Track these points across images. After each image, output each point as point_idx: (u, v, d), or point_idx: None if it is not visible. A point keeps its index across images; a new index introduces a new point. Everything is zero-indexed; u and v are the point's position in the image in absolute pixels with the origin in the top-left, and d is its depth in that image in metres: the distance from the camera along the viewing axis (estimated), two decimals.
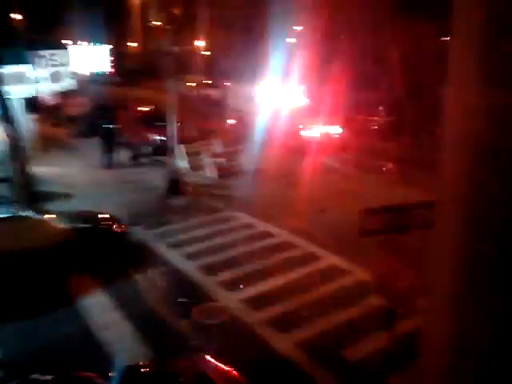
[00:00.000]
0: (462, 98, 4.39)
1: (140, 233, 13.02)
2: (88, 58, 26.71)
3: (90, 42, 25.41)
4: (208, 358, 6.75)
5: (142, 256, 11.74)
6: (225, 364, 6.57)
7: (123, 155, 20.15)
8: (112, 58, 26.69)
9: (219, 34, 39.35)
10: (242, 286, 10.26)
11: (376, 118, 23.80)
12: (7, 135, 14.84)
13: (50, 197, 15.14)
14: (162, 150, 19.40)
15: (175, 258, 11.71)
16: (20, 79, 19.41)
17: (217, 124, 24.08)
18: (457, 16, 4.36)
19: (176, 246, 12.31)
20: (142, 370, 6.40)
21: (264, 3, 32.59)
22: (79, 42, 24.57)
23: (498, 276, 4.38)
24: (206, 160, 18.51)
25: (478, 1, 4.19)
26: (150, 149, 20.83)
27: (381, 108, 24.09)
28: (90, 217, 11.95)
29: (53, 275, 10.07)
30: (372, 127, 23.11)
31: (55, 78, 21.51)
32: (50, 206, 13.84)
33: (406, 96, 23.19)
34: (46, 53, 21.39)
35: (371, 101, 24.02)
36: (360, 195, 14.23)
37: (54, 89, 22.05)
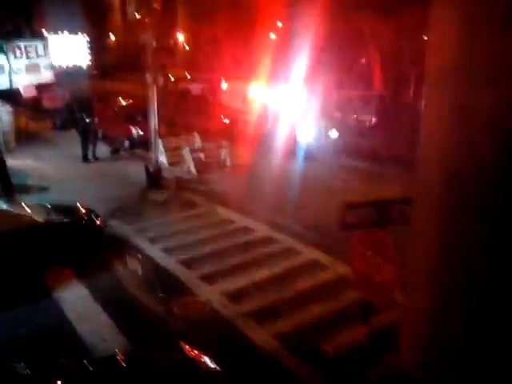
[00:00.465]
0: (438, 97, 4.48)
1: (119, 227, 12.94)
2: (65, 49, 26.29)
3: (69, 33, 25.01)
4: (186, 347, 6.75)
5: (120, 250, 11.67)
6: (203, 353, 6.58)
7: (102, 149, 19.96)
8: (90, 51, 26.32)
9: (199, 28, 39.15)
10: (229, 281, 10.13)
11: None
12: None
13: (26, 190, 14.95)
14: (141, 143, 19.33)
15: (154, 252, 11.66)
16: None
17: (197, 119, 23.99)
18: (433, 14, 4.44)
19: (155, 240, 12.26)
20: (119, 359, 6.38)
21: None
22: (58, 33, 24.17)
23: (473, 270, 4.49)
24: (186, 154, 18.44)
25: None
26: (128, 142, 20.69)
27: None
28: (68, 210, 11.81)
29: (30, 268, 9.96)
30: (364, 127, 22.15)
31: (31, 69, 21.17)
32: (27, 198, 13.63)
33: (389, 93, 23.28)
34: (21, 44, 21.03)
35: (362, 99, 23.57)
36: (344, 192, 14.36)
37: (30, 81, 21.67)
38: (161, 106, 16.95)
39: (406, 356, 5.08)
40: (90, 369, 5.80)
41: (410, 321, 5.14)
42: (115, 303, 9.36)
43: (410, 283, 5.05)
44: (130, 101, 24.83)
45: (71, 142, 19.75)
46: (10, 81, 20.32)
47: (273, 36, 30.54)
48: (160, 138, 17.66)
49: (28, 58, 21.08)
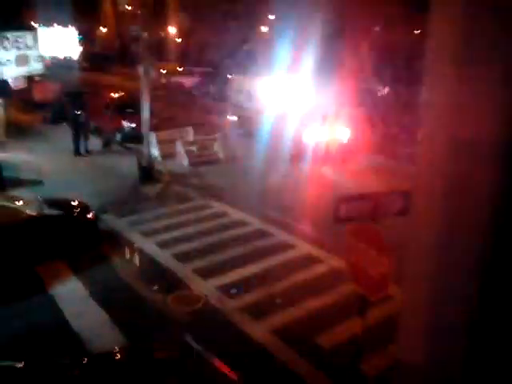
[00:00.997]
0: (437, 96, 4.48)
1: (112, 220, 12.88)
2: (56, 41, 26.07)
3: (58, 25, 24.75)
4: (183, 343, 6.75)
5: (114, 244, 11.62)
6: (200, 350, 6.57)
7: (94, 142, 19.82)
8: (81, 43, 26.12)
9: (192, 20, 38.93)
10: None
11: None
12: None
13: (18, 183, 14.81)
14: (134, 137, 19.22)
15: (148, 246, 11.63)
16: None
17: (189, 112, 23.87)
18: (433, 15, 4.42)
19: (149, 234, 12.21)
20: (116, 356, 6.36)
21: None
22: (48, 25, 23.89)
23: (473, 265, 4.52)
24: (178, 147, 18.37)
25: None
26: (121, 136, 20.57)
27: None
28: (62, 203, 11.74)
29: (24, 262, 9.91)
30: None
31: (21, 61, 20.93)
32: (19, 192, 13.52)
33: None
34: (10, 35, 20.76)
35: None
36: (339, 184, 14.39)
37: (20, 73, 21.43)
38: (153, 98, 16.84)
39: (406, 344, 5.10)
40: (88, 365, 5.78)
41: (408, 310, 5.16)
42: (110, 299, 9.32)
43: (407, 276, 5.06)
44: (122, 93, 24.68)
45: (63, 135, 19.58)
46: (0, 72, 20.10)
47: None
48: (153, 130, 17.58)
49: (18, 49, 20.84)
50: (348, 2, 26.06)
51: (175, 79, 35.50)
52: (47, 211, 10.97)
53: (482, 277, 4.56)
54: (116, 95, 24.51)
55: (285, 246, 11.56)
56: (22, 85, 23.90)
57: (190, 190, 15.43)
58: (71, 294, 9.51)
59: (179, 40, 42.27)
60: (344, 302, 8.83)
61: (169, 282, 10.02)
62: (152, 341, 7.50)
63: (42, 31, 23.99)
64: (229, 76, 26.61)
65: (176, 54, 40.80)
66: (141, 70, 16.09)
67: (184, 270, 10.49)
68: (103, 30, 49.02)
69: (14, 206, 10.89)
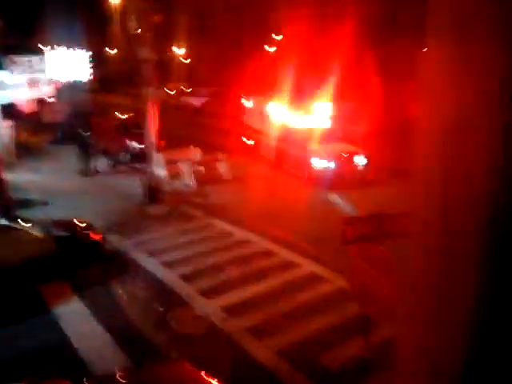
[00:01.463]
0: (436, 110, 4.47)
1: (118, 241, 12.90)
2: (66, 64, 26.45)
3: (68, 47, 25.12)
4: (186, 365, 6.69)
5: (120, 264, 11.63)
6: (204, 372, 6.52)
7: (101, 163, 19.98)
8: (91, 65, 26.46)
9: (200, 41, 39.40)
10: None
11: None
12: None
13: (26, 204, 14.93)
14: (141, 157, 19.32)
15: (153, 266, 11.61)
16: None
17: (198, 132, 23.99)
18: (430, 31, 4.44)
19: (154, 253, 12.21)
20: (118, 377, 6.31)
21: (246, 9, 32.78)
22: (57, 48, 24.23)
23: (473, 285, 4.45)
24: (185, 168, 18.44)
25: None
26: (128, 156, 20.71)
27: None
28: (68, 225, 11.81)
29: (29, 284, 9.92)
30: None
31: (32, 84, 21.26)
32: (26, 213, 13.61)
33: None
34: (22, 58, 21.15)
35: None
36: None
37: (31, 95, 21.77)
38: (161, 119, 16.98)
39: (405, 367, 5.02)
40: None
41: (409, 331, 5.08)
42: (114, 320, 9.30)
43: (408, 292, 5.00)
44: (131, 114, 24.88)
45: (71, 156, 19.76)
46: (12, 95, 20.42)
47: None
48: (160, 151, 17.68)
49: (29, 72, 21.19)
50: None
51: (184, 99, 35.81)
52: (55, 233, 11.05)
53: (484, 283, 4.49)
54: (124, 116, 24.73)
55: (290, 266, 11.49)
56: (32, 108, 24.26)
57: (197, 210, 15.44)
58: (74, 315, 9.50)
59: (188, 61, 42.74)
60: (348, 322, 8.73)
61: (173, 302, 9.98)
62: (155, 362, 7.45)
63: (53, 54, 24.30)
64: (240, 96, 26.68)
65: (185, 75, 41.22)
66: (145, 91, 16.26)
67: (188, 290, 10.44)
68: (112, 52, 49.73)
69: (22, 228, 10.99)
